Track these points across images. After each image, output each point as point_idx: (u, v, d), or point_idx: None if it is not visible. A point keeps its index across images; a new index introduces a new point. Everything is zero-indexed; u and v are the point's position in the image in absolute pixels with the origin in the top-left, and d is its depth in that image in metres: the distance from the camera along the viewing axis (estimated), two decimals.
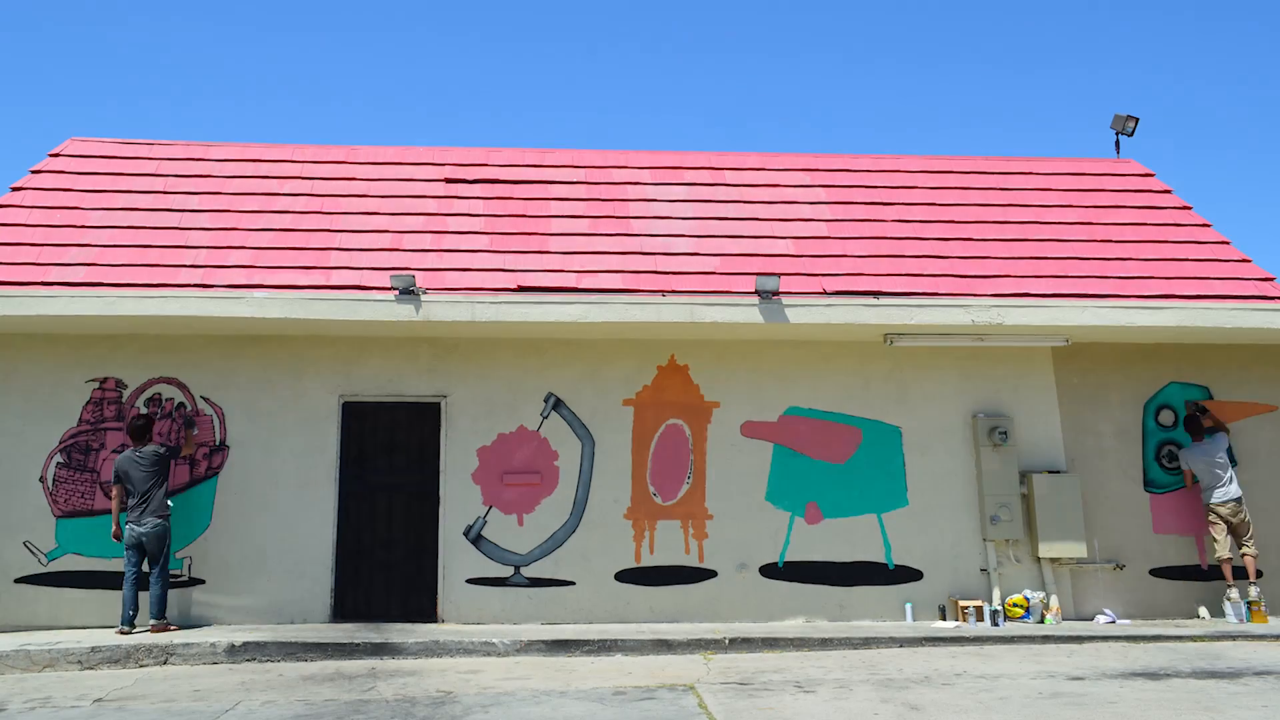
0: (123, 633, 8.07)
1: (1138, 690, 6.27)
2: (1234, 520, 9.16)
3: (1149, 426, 9.69)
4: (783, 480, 9.32)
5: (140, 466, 8.35)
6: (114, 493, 8.44)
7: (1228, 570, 9.12)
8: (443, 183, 10.62)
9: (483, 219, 10.07)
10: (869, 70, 35.56)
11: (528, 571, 9.01)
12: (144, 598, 8.33)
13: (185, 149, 10.87)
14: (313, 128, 34.49)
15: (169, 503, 8.45)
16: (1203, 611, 9.21)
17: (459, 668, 7.30)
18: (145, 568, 8.39)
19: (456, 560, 8.98)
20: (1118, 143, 11.95)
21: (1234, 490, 9.18)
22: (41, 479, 8.86)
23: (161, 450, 8.50)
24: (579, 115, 35.13)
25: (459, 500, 9.08)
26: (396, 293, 8.70)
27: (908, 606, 9.07)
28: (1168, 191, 11.21)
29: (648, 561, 9.09)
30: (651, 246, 9.78)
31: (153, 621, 8.19)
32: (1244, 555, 9.13)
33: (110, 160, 10.53)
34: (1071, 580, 9.28)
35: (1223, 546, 9.13)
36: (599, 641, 7.89)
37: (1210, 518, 9.26)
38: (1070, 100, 33.92)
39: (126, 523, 8.34)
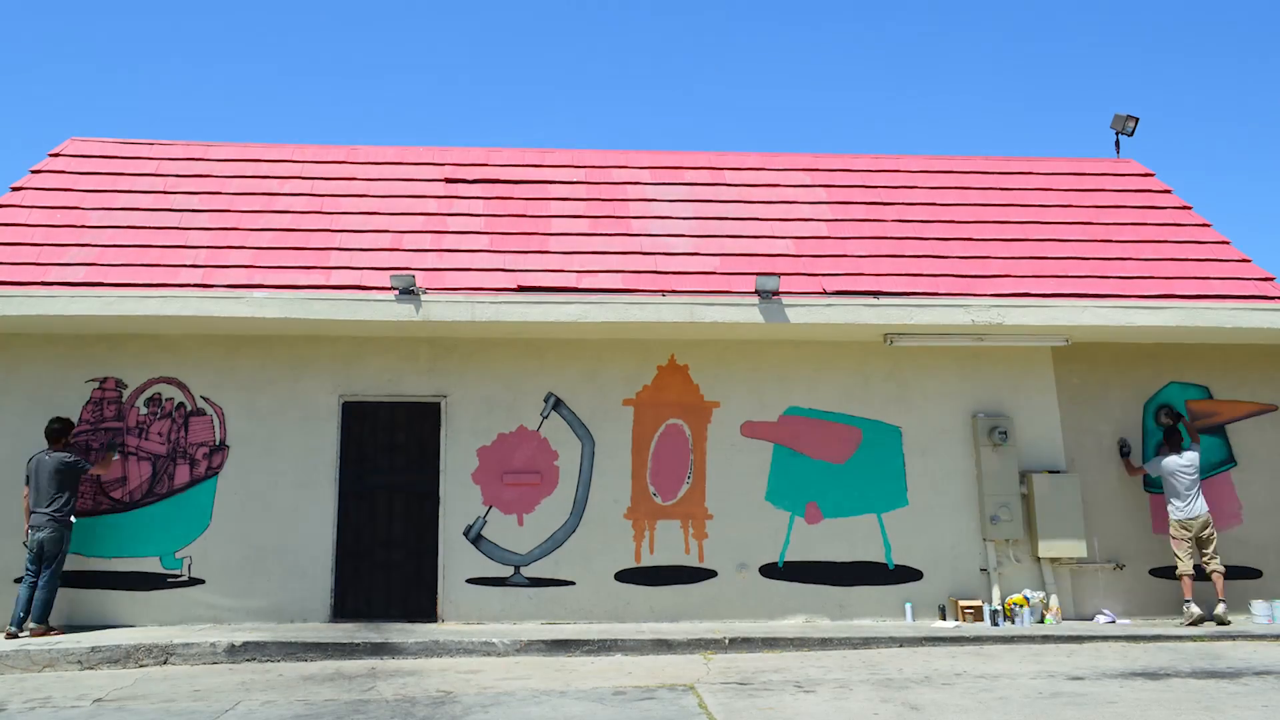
0: (9, 635, 7.96)
1: (1137, 690, 6.28)
2: (1196, 535, 8.95)
3: (1149, 426, 9.69)
4: (783, 480, 9.32)
5: (43, 471, 8.29)
6: (23, 494, 8.45)
7: (1186, 586, 8.86)
8: (443, 183, 10.62)
9: (483, 219, 10.07)
10: (870, 70, 35.60)
11: (528, 571, 9.01)
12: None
13: (185, 149, 10.87)
14: (313, 128, 34.52)
15: (71, 518, 8.31)
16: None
17: (459, 668, 7.30)
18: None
19: (456, 560, 8.98)
20: (1118, 143, 11.96)
21: (1196, 508, 8.93)
22: None
23: (69, 460, 8.37)
24: (579, 115, 35.17)
25: (459, 500, 9.08)
26: (396, 293, 8.70)
27: (908, 606, 9.07)
28: (1168, 191, 11.21)
29: (648, 561, 9.10)
30: (651, 246, 9.78)
31: (32, 625, 8.07)
32: (1211, 572, 8.89)
33: (110, 160, 10.53)
34: (1071, 580, 9.29)
35: (1183, 563, 8.89)
36: (599, 641, 7.89)
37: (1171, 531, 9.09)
38: (1070, 100, 33.94)
39: (27, 526, 8.27)
